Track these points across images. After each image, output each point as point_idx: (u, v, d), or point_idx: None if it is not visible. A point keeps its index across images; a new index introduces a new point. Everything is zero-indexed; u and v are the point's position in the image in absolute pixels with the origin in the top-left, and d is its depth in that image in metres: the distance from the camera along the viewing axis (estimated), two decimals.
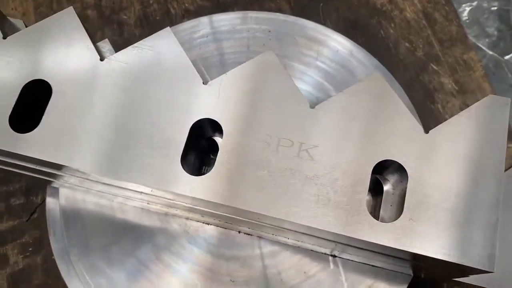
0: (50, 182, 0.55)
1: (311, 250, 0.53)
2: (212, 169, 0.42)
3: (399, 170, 0.42)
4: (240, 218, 0.46)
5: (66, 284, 0.56)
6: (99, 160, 0.42)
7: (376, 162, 0.41)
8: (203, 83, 0.45)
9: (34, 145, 0.43)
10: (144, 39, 0.47)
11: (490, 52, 1.16)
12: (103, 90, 0.44)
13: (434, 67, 0.73)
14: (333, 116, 0.43)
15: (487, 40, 1.15)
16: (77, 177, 0.49)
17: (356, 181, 0.41)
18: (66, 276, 0.56)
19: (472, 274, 0.42)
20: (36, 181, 0.62)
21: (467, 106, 0.50)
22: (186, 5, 0.78)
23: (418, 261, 0.45)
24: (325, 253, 0.53)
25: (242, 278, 0.53)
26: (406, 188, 0.40)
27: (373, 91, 0.43)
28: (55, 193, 0.59)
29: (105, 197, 0.54)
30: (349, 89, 0.44)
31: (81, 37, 0.46)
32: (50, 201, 0.60)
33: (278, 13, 0.67)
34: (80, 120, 0.44)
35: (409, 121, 0.42)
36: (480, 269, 0.38)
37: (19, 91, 0.44)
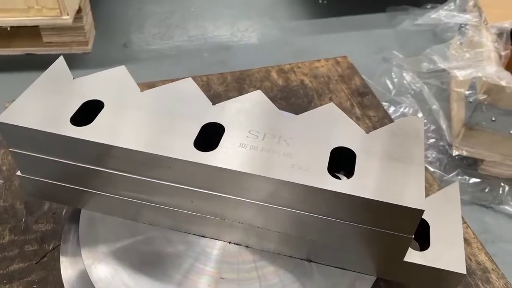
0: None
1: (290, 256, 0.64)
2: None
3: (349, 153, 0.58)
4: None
5: None
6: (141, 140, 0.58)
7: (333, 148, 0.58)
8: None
9: (89, 133, 0.58)
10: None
11: None
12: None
13: None
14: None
15: None
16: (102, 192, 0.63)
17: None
18: None
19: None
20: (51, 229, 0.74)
21: None
22: None
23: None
24: (301, 259, 0.64)
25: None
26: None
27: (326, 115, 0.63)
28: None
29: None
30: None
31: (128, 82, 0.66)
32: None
33: None
34: (124, 121, 0.60)
35: (354, 126, 0.61)
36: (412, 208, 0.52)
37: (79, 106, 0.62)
